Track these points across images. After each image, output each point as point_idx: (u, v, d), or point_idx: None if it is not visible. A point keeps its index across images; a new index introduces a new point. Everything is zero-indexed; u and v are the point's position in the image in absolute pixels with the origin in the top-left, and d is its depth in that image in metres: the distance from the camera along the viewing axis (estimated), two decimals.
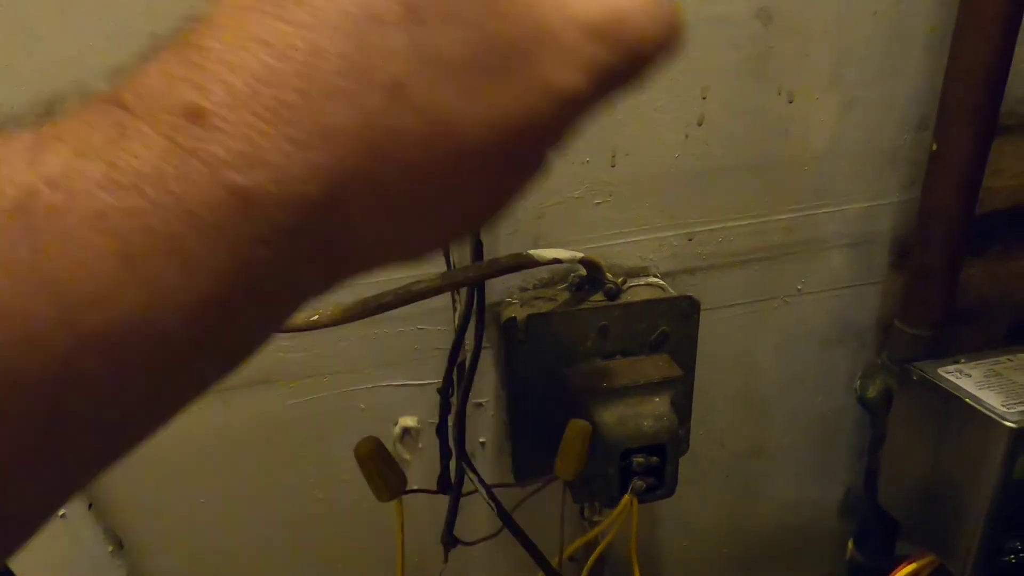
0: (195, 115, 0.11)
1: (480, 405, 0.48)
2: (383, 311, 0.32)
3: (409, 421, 0.47)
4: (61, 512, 0.43)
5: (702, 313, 0.46)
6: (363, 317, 0.32)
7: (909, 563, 0.39)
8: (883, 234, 0.47)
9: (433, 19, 0.12)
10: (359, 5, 0.12)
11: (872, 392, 0.45)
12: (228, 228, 0.11)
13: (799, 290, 0.48)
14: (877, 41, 0.40)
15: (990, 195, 0.47)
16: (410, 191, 0.13)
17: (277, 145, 0.11)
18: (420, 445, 0.48)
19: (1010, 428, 0.31)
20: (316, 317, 0.32)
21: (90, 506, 0.45)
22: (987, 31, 0.32)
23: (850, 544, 0.52)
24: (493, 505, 0.28)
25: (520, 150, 0.13)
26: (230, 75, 0.11)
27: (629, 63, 0.14)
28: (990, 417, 0.31)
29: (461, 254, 0.39)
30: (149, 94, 0.11)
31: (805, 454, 0.56)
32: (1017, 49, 0.42)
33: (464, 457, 0.30)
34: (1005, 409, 0.32)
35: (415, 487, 0.32)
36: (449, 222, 0.14)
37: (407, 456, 0.49)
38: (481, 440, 0.49)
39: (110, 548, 0.47)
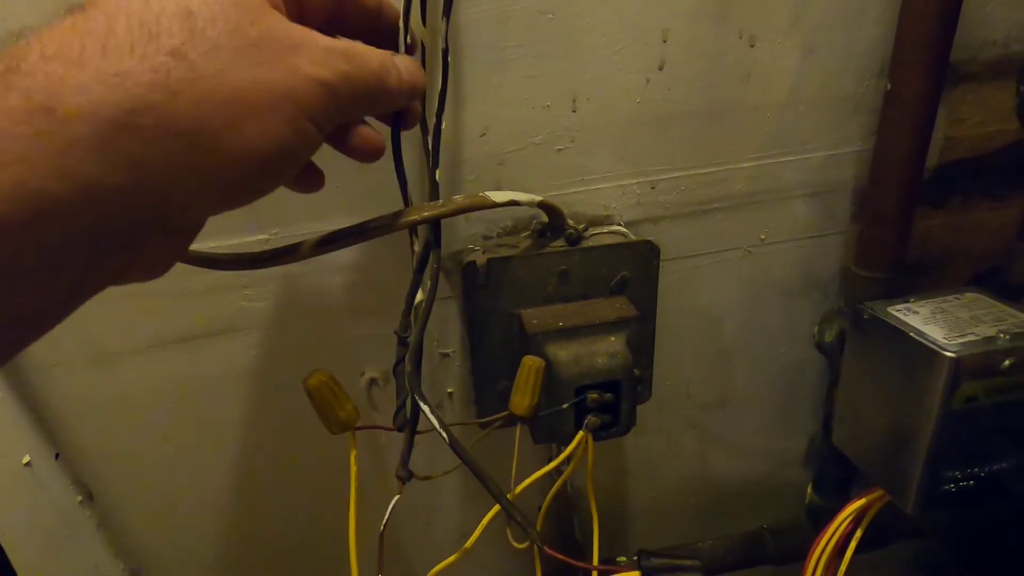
0: (12, 69, 0.16)
1: (447, 355, 0.48)
2: (335, 248, 0.32)
3: (374, 372, 0.48)
4: (26, 460, 0.43)
5: (667, 263, 0.47)
6: (315, 254, 0.32)
7: (857, 499, 0.41)
8: (845, 183, 0.48)
9: (203, 18, 0.18)
10: (140, 4, 0.18)
11: (829, 336, 0.46)
12: (36, 135, 0.15)
13: (762, 240, 0.49)
14: None
15: (951, 144, 0.48)
16: (194, 123, 0.18)
17: (78, 81, 0.16)
18: (388, 396, 0.48)
19: (950, 358, 0.31)
20: (268, 256, 0.32)
21: (57, 456, 0.45)
22: None
23: (809, 488, 0.54)
24: (445, 435, 0.28)
25: (284, 111, 0.19)
26: (51, 44, 0.17)
27: (364, 87, 0.22)
28: (932, 349, 0.32)
29: (418, 198, 0.39)
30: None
31: (770, 404, 0.57)
32: None
33: (418, 391, 0.30)
34: (947, 341, 0.32)
35: (374, 424, 0.33)
36: (239, 158, 0.19)
37: (376, 407, 0.49)
38: (449, 390, 0.50)
39: (79, 498, 0.47)
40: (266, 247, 0.38)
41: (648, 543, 0.53)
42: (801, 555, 0.48)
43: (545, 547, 0.27)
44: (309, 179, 0.28)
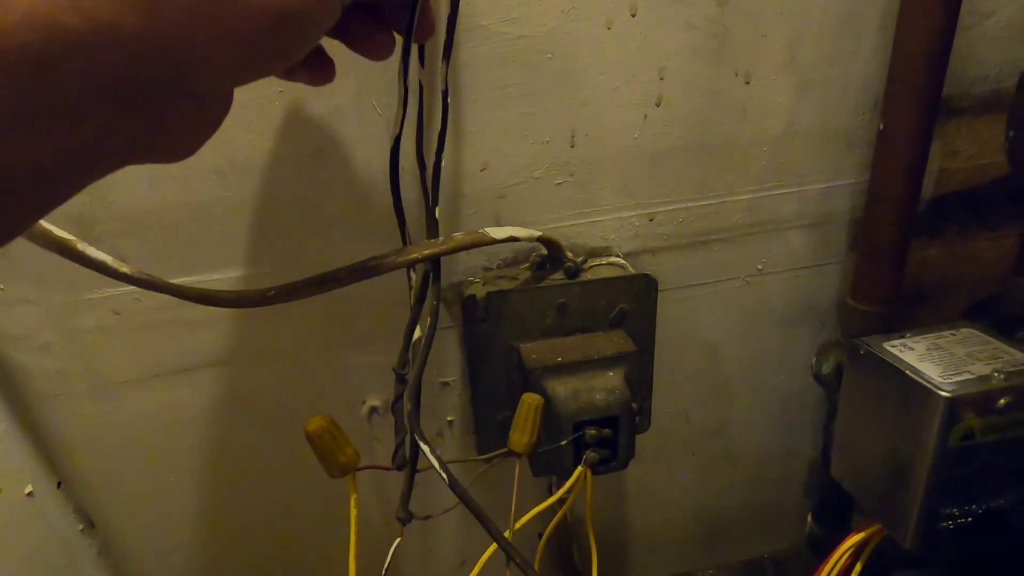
0: None
1: (447, 384, 0.48)
2: (337, 287, 0.32)
3: (376, 401, 0.48)
4: (28, 490, 0.43)
5: (665, 293, 0.47)
6: (317, 292, 0.32)
7: (856, 533, 0.41)
8: (841, 215, 0.48)
9: None
10: None
11: (827, 369, 0.46)
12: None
13: (760, 270, 0.49)
14: (831, 23, 0.41)
15: (946, 177, 0.48)
16: (205, 31, 0.17)
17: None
18: (389, 424, 0.49)
19: (945, 398, 0.32)
20: (272, 293, 0.32)
21: (59, 485, 0.46)
22: (928, 9, 0.33)
23: (809, 518, 0.54)
24: (444, 475, 0.29)
25: (286, 25, 0.19)
26: None
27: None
28: (927, 388, 0.32)
29: (418, 233, 0.40)
30: None
31: (768, 432, 0.57)
32: (969, 32, 0.43)
33: (417, 431, 0.31)
34: (942, 380, 0.33)
35: (374, 464, 0.33)
36: (256, 11, 0.18)
37: (375, 436, 0.49)
38: (449, 419, 0.50)
39: (79, 527, 0.47)
40: (269, 281, 0.38)
41: (648, 570, 0.53)
42: None
43: None
44: (320, 69, 0.27)
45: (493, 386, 0.43)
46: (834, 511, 0.50)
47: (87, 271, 0.40)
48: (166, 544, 0.50)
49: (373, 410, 0.48)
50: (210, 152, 0.38)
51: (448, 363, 0.47)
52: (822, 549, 0.48)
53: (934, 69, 0.35)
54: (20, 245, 0.38)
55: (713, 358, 0.53)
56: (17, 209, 0.16)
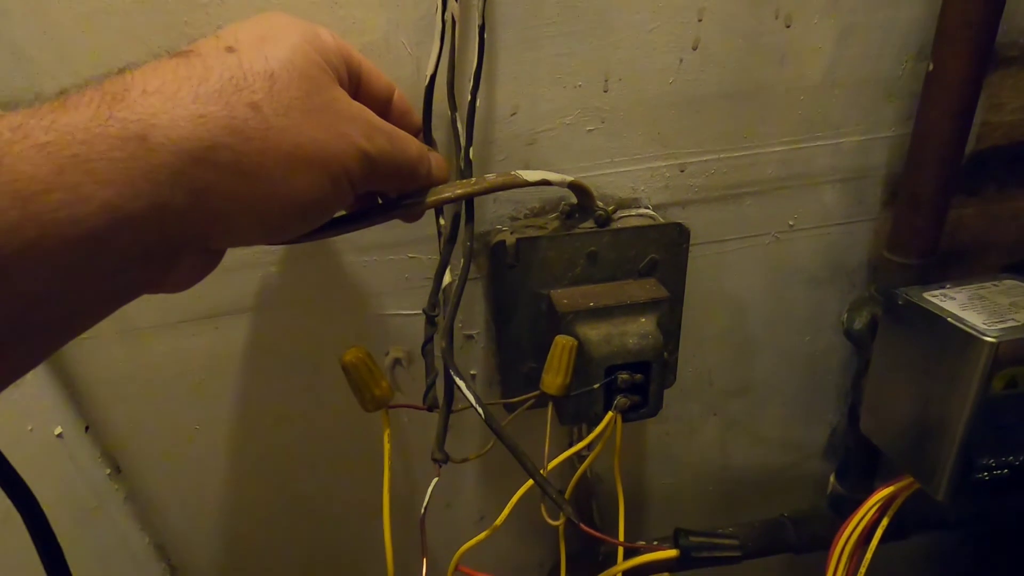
0: (118, 99, 0.19)
1: (471, 337, 0.48)
2: (369, 225, 0.32)
3: (399, 352, 0.48)
4: (58, 431, 0.44)
5: (693, 248, 0.46)
6: (352, 230, 0.32)
7: (886, 487, 0.40)
8: (877, 169, 0.47)
9: (281, 82, 0.22)
10: (234, 64, 0.21)
11: (859, 323, 0.46)
12: (128, 159, 0.18)
13: (791, 226, 0.48)
14: None
15: (988, 130, 0.47)
16: (258, 166, 0.21)
17: (171, 117, 0.19)
18: (412, 377, 0.49)
19: (990, 343, 0.31)
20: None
21: (87, 428, 0.46)
22: None
23: (831, 478, 0.53)
24: (481, 411, 0.28)
25: (329, 169, 0.23)
26: (150, 83, 0.20)
27: (400, 165, 0.27)
28: (971, 334, 0.32)
29: (452, 176, 0.39)
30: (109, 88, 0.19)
31: (792, 394, 0.57)
32: None
33: (453, 367, 0.30)
34: (986, 327, 0.32)
35: (407, 403, 0.33)
36: (285, 201, 0.22)
37: (399, 387, 0.49)
38: (472, 372, 0.50)
39: (107, 471, 0.48)
40: None
41: (665, 530, 0.53)
42: (821, 544, 0.47)
43: (581, 523, 0.27)
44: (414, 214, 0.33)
45: (519, 336, 0.43)
46: (858, 471, 0.50)
47: None
48: (191, 491, 0.51)
49: (396, 361, 0.48)
50: None
51: (473, 316, 0.47)
52: (844, 509, 0.47)
53: (991, 7, 0.33)
54: None
55: (739, 317, 0.52)
56: (53, 342, 0.20)
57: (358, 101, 0.25)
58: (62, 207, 0.17)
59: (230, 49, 0.21)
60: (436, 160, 0.31)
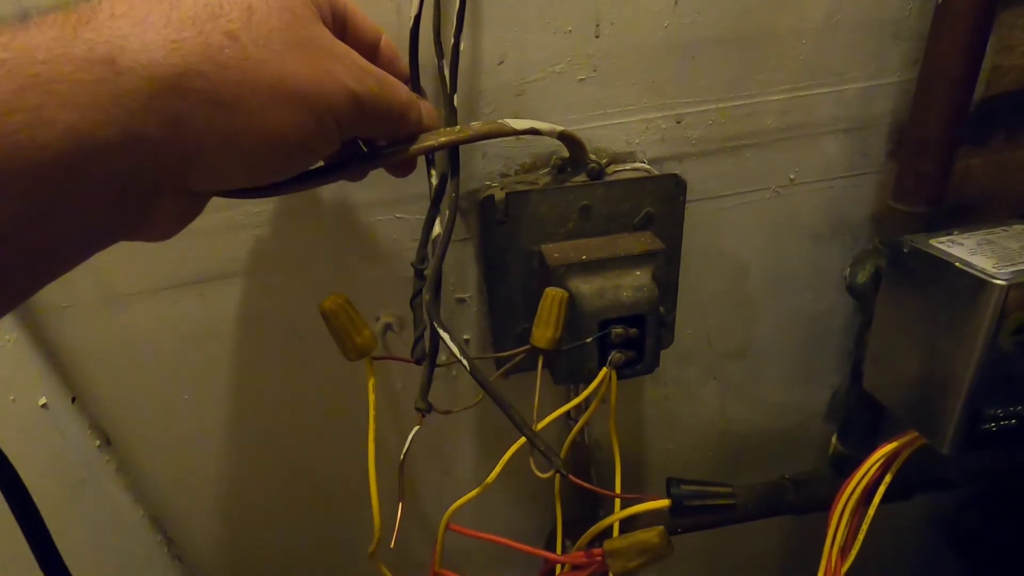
0: (83, 22, 0.18)
1: (463, 301, 0.47)
2: (350, 173, 0.30)
3: (388, 317, 0.47)
4: (43, 402, 0.43)
5: (691, 204, 0.45)
6: (332, 180, 0.30)
7: (889, 443, 0.39)
8: (882, 118, 0.45)
9: (260, 12, 0.20)
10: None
11: (862, 277, 0.44)
12: (95, 82, 0.17)
13: (792, 180, 0.47)
14: None
15: (999, 75, 0.45)
16: (234, 97, 0.19)
17: (142, 40, 0.18)
18: (404, 342, 0.48)
19: (1000, 286, 0.30)
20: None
21: (73, 399, 0.45)
22: None
23: (834, 439, 0.53)
24: (466, 363, 0.27)
25: (314, 106, 0.22)
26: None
27: (390, 109, 0.26)
28: (980, 277, 0.30)
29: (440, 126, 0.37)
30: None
31: (793, 355, 0.56)
32: None
33: (437, 320, 0.29)
34: (996, 270, 0.30)
35: (393, 355, 0.32)
36: (266, 137, 0.21)
37: (390, 351, 0.48)
38: (465, 337, 0.49)
39: (96, 443, 0.47)
40: None
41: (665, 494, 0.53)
42: (822, 505, 0.47)
43: (570, 475, 0.26)
44: (403, 166, 0.31)
45: (511, 296, 0.42)
46: (861, 430, 0.49)
47: None
48: (182, 462, 0.50)
49: (388, 327, 0.47)
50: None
51: (464, 279, 0.46)
52: (846, 469, 0.46)
53: None
54: None
55: (739, 276, 0.51)
56: (28, 283, 0.19)
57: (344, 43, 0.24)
58: (22, 128, 0.16)
59: None
60: (426, 108, 0.30)
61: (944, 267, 0.32)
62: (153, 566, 0.53)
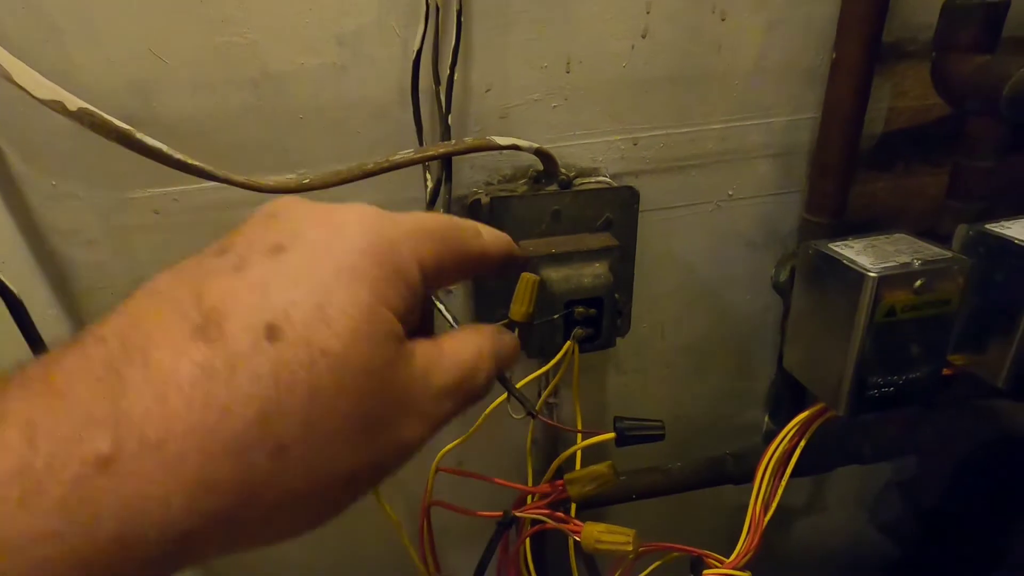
0: (103, 463, 0.13)
1: (450, 291, 0.54)
2: (366, 177, 0.38)
3: None
4: None
5: (646, 213, 0.53)
6: (349, 181, 0.37)
7: (802, 413, 0.48)
8: (803, 146, 0.54)
9: (326, 395, 0.15)
10: (269, 376, 0.14)
11: (783, 276, 0.53)
12: (106, 566, 0.13)
13: (730, 195, 0.56)
14: None
15: (895, 115, 0.55)
16: (260, 521, 0.15)
17: (165, 496, 0.13)
18: None
19: (872, 277, 0.38)
20: (308, 180, 0.37)
21: None
22: None
23: (766, 418, 0.61)
24: (450, 320, 0.34)
25: (357, 485, 0.17)
26: (146, 425, 0.13)
27: (466, 406, 0.19)
28: (860, 272, 0.39)
29: (433, 141, 0.45)
30: (63, 437, 0.13)
31: (734, 348, 0.64)
32: None
33: (433, 293, 0.36)
34: (871, 266, 0.39)
35: None
36: (293, 533, 0.16)
37: None
38: (447, 307, 0.56)
39: None
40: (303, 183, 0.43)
41: (623, 470, 0.60)
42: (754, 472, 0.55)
43: (539, 416, 0.33)
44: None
45: (494, 288, 0.49)
46: (787, 409, 0.57)
47: (129, 171, 0.45)
48: None
49: None
50: (246, 64, 0.42)
51: None
52: (773, 439, 0.55)
53: (876, 8, 0.40)
54: (71, 142, 0.43)
55: (688, 277, 0.59)
56: None
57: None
58: None
59: (271, 333, 0.14)
60: (505, 347, 0.22)
61: (835, 264, 0.41)
62: None
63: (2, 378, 0.14)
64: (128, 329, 0.15)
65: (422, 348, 0.18)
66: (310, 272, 0.16)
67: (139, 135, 0.37)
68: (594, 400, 0.64)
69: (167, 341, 0.14)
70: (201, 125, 0.44)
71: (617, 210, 0.48)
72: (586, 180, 0.50)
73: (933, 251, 0.41)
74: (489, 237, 0.21)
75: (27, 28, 0.39)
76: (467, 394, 0.19)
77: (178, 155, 0.37)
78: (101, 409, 0.13)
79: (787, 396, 0.57)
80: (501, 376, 0.27)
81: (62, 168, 0.44)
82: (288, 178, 0.37)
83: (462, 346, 0.19)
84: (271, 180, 0.38)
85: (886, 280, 0.38)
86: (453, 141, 0.39)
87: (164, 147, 0.37)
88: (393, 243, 0.17)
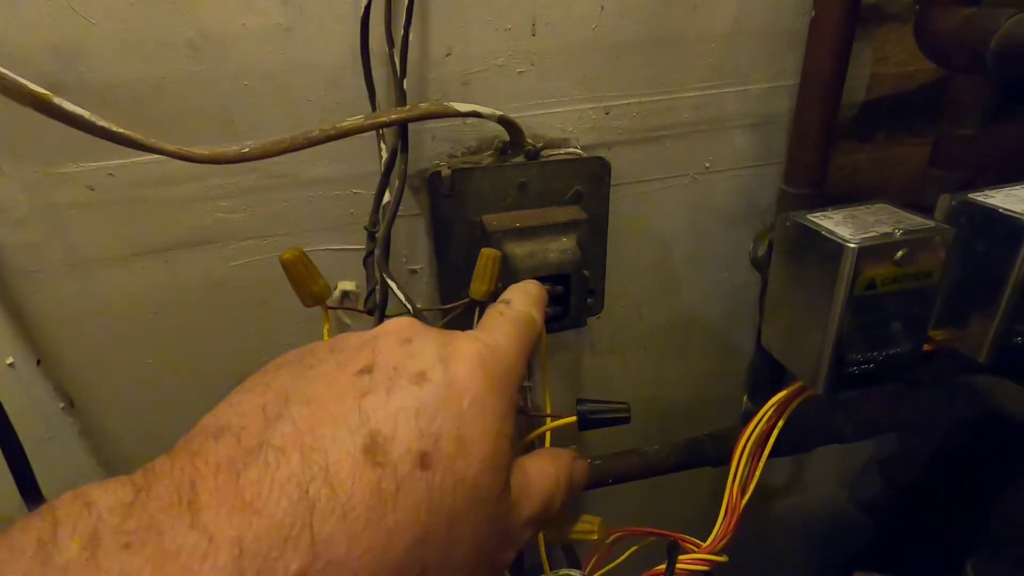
0: None
1: (415, 272, 0.51)
2: (311, 145, 0.35)
3: (348, 285, 0.51)
4: (10, 361, 0.45)
5: (619, 187, 0.51)
6: (293, 151, 0.34)
7: (780, 392, 0.46)
8: (781, 116, 0.52)
9: (461, 522, 0.16)
10: (424, 502, 0.15)
11: (761, 251, 0.51)
12: None
13: (707, 168, 0.53)
14: None
15: (876, 82, 0.52)
16: None
17: None
18: (360, 308, 0.52)
19: (852, 248, 0.36)
20: (247, 150, 0.34)
21: (38, 362, 0.47)
22: None
23: (744, 398, 0.59)
24: (409, 307, 0.32)
25: None
26: (332, 544, 0.14)
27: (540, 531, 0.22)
28: (839, 243, 0.37)
29: (388, 104, 0.42)
30: (265, 556, 0.13)
31: (713, 327, 0.62)
32: None
33: (387, 273, 0.34)
34: (851, 236, 0.37)
35: (346, 306, 0.36)
36: None
37: (347, 320, 0.52)
38: (417, 305, 0.53)
39: (61, 405, 0.49)
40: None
41: (599, 453, 0.58)
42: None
43: None
44: None
45: (458, 263, 0.47)
46: (766, 388, 0.56)
47: (60, 143, 0.41)
48: (145, 427, 0.53)
49: (345, 295, 0.51)
50: (181, 23, 0.39)
51: (416, 251, 0.50)
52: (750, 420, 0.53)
53: None
54: None
55: (664, 254, 0.57)
56: None
57: None
58: None
59: (424, 460, 0.15)
60: (578, 475, 0.24)
61: (813, 235, 0.39)
62: None
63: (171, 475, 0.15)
64: (302, 438, 0.15)
65: (514, 477, 0.19)
66: (451, 403, 0.17)
67: (57, 100, 0.33)
68: (568, 382, 0.62)
69: (344, 460, 0.15)
70: (134, 92, 0.40)
71: (587, 183, 0.45)
72: (555, 151, 0.47)
73: (915, 220, 0.39)
74: (536, 308, 0.24)
75: None
76: (545, 523, 0.21)
77: (102, 122, 0.34)
78: (295, 528, 0.14)
79: (766, 375, 0.55)
80: None
81: None
82: (225, 149, 0.34)
83: (543, 476, 0.21)
84: (204, 150, 0.35)
85: (866, 251, 0.36)
86: (408, 107, 0.36)
87: (86, 113, 0.34)
88: (507, 373, 0.19)
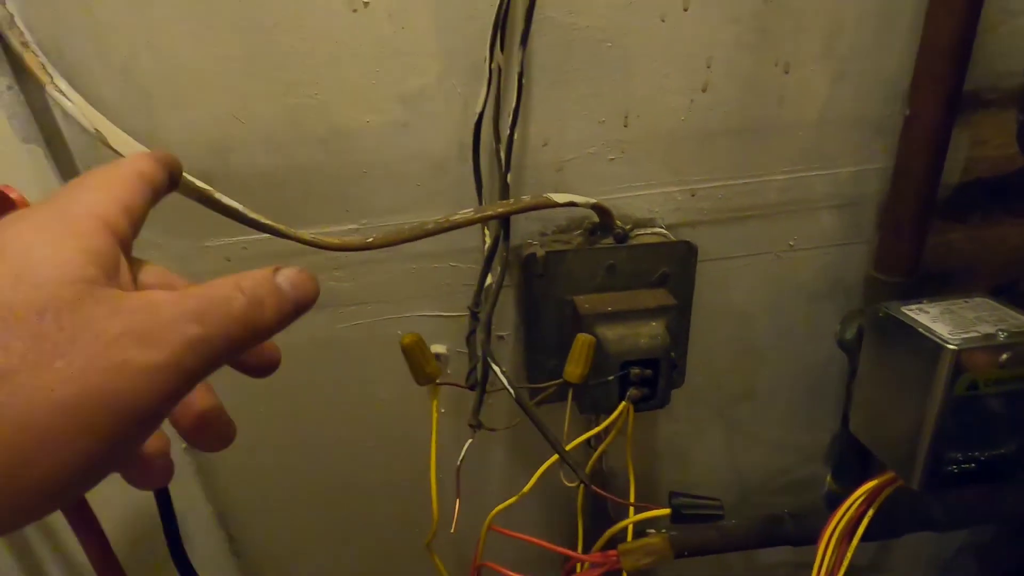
0: None
1: (502, 337, 0.54)
2: (426, 236, 0.39)
3: (439, 348, 0.54)
4: None
5: (703, 264, 0.52)
6: (410, 240, 0.38)
7: (870, 480, 0.45)
8: (870, 196, 0.52)
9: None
10: None
11: (849, 334, 0.51)
12: None
13: (791, 246, 0.54)
14: (866, 18, 0.45)
15: (973, 164, 0.52)
16: None
17: None
18: (448, 371, 0.55)
19: (952, 350, 0.36)
20: (371, 239, 0.39)
21: None
22: (953, 9, 0.37)
23: (828, 478, 0.58)
24: (512, 391, 0.35)
25: (95, 428, 0.15)
26: None
27: (228, 337, 0.18)
28: (937, 342, 0.37)
29: (491, 196, 0.46)
30: None
31: (794, 400, 0.62)
32: (999, 29, 0.46)
33: (489, 353, 0.37)
34: (951, 336, 0.37)
35: (452, 382, 0.39)
36: (33, 482, 0.15)
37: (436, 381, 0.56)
38: (503, 369, 0.56)
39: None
40: (356, 235, 0.45)
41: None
42: (818, 538, 0.52)
43: (592, 485, 0.32)
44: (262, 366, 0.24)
45: (545, 337, 0.49)
46: (852, 470, 0.54)
47: (205, 222, 0.48)
48: (250, 465, 0.57)
49: (437, 356, 0.54)
50: (317, 122, 0.45)
51: (504, 318, 0.53)
52: (838, 505, 0.52)
53: (957, 63, 0.39)
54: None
55: (745, 327, 0.57)
56: None
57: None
58: None
59: None
60: (289, 278, 0.20)
61: (910, 331, 0.39)
62: (215, 560, 0.60)
63: None
64: None
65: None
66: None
67: (217, 195, 0.39)
68: (644, 449, 0.62)
69: None
70: (271, 179, 0.46)
71: (674, 265, 0.47)
72: (642, 232, 0.50)
73: (1020, 320, 0.38)
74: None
75: (122, 94, 0.42)
76: (217, 321, 0.17)
77: (253, 215, 0.39)
78: None
79: (852, 457, 0.54)
80: (552, 441, 0.28)
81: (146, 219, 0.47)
82: (353, 239, 0.39)
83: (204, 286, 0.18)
84: (335, 239, 0.39)
85: (967, 354, 0.36)
86: (512, 200, 0.40)
87: (240, 207, 0.39)
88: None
